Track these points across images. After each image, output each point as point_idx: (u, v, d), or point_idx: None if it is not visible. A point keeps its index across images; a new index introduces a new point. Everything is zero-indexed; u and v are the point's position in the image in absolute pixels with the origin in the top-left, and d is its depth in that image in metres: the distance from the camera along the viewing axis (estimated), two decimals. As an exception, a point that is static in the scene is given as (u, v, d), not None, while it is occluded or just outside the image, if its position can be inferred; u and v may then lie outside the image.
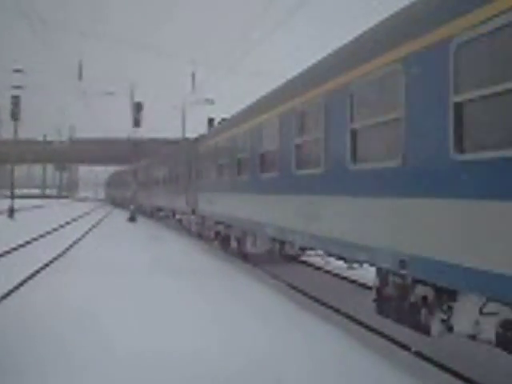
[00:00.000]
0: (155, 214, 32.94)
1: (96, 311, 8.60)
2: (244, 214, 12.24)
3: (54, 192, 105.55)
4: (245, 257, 14.62)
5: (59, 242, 18.99)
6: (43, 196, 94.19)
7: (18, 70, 36.25)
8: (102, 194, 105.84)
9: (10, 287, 10.14)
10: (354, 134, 6.82)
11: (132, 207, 33.26)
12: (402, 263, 5.60)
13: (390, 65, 5.92)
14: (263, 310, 8.89)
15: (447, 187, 4.92)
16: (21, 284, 10.78)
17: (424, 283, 5.59)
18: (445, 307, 5.54)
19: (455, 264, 4.76)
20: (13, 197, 34.22)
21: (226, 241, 15.25)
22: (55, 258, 14.73)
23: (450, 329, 5.51)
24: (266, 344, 6.93)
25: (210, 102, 46.37)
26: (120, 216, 39.41)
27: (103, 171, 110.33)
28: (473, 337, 5.24)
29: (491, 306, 5.02)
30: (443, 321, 5.55)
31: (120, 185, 57.95)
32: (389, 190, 5.92)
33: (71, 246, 18.24)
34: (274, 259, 14.17)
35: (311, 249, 9.67)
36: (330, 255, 8.97)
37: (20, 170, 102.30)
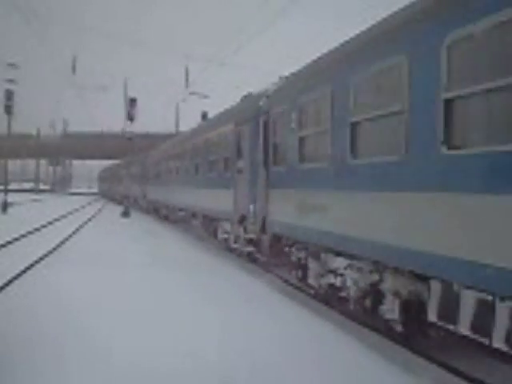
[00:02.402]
0: (124, 200, 35.37)
1: (92, 303, 8.64)
2: (163, 197, 26.41)
3: (47, 186, 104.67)
4: (166, 218, 27.29)
5: (53, 236, 18.93)
6: (37, 190, 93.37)
7: (11, 65, 35.94)
8: (95, 189, 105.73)
9: (4, 280, 10.11)
10: (210, 163, 15.67)
11: (126, 202, 33.26)
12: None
13: (227, 129, 13.59)
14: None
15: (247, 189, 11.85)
16: (15, 278, 10.76)
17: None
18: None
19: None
20: (6, 191, 33.89)
21: (158, 211, 30.47)
22: (50, 252, 14.83)
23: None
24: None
25: (204, 96, 46.01)
26: (113, 211, 39.06)
27: (97, 166, 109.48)
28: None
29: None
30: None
31: (112, 180, 59.03)
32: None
33: (66, 239, 18.25)
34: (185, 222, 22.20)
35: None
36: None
37: (13, 165, 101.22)
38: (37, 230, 21.60)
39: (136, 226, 25.77)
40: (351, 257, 7.18)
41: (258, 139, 10.99)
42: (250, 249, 12.11)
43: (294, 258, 9.49)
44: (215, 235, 15.95)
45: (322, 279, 8.19)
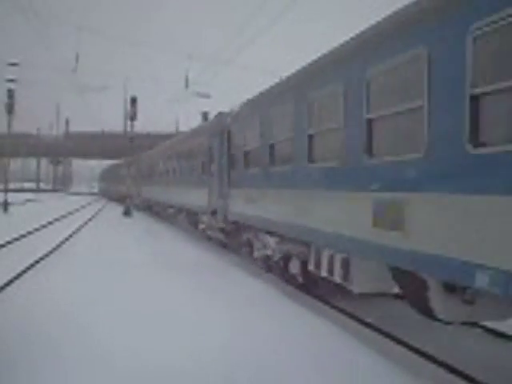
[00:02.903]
0: (127, 200, 35.47)
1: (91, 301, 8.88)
2: (155, 196, 30.12)
3: (48, 186, 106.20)
4: (157, 214, 32.35)
5: (54, 235, 19.24)
6: (38, 190, 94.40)
7: (13, 64, 35.49)
8: (96, 188, 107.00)
9: (5, 280, 10.26)
10: (192, 166, 19.08)
11: (128, 200, 34.00)
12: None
13: (203, 139, 16.92)
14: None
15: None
16: (16, 277, 10.93)
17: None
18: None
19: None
20: (7, 190, 34.04)
21: (151, 208, 34.85)
22: (50, 252, 15.11)
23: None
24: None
25: (205, 95, 47.17)
26: (115, 210, 40.36)
27: (97, 166, 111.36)
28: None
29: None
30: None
31: (112, 179, 60.23)
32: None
33: (67, 239, 18.57)
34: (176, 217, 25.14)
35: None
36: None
37: (14, 164, 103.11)
38: (39, 229, 22.11)
39: (138, 225, 26.56)
40: (272, 234, 10.14)
41: (224, 149, 14.00)
42: (220, 235, 15.12)
43: (244, 239, 12.49)
44: (196, 227, 19.26)
45: (261, 252, 11.16)
